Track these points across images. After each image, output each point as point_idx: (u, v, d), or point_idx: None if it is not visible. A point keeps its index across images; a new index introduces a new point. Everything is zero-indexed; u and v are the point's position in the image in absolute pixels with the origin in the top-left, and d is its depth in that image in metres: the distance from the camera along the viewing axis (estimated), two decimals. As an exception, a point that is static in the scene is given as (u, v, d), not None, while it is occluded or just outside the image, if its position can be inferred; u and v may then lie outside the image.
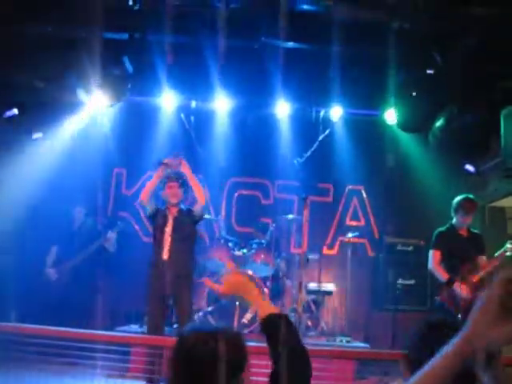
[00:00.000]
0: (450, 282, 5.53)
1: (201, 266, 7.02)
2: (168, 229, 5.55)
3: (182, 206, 5.79)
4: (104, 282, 7.64)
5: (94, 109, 7.58)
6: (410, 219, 7.82)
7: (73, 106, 7.50)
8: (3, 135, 7.13)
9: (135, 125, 8.24)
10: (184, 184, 5.72)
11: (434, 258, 5.74)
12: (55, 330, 5.36)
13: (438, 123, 7.41)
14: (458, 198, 5.81)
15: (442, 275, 5.62)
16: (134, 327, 6.69)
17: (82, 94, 7.31)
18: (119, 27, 6.63)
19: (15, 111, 6.93)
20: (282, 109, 7.85)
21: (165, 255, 5.45)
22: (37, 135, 7.55)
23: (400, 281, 7.57)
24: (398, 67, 6.85)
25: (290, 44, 6.72)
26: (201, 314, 6.65)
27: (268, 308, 2.06)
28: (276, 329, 2.00)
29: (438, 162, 7.62)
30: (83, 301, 6.87)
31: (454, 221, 5.84)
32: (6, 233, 7.40)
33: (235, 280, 2.14)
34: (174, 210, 5.66)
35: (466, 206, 5.73)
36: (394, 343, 7.07)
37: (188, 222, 5.67)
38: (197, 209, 5.70)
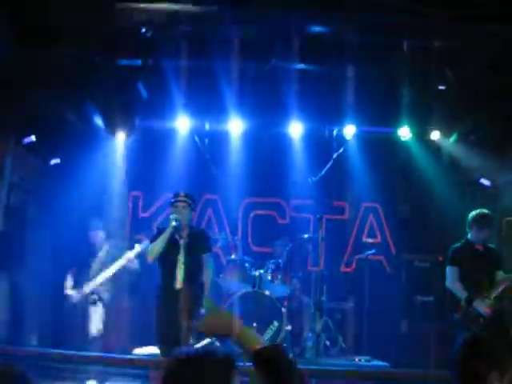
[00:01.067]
0: (469, 299, 5.46)
1: (217, 286, 7.02)
2: (181, 257, 5.31)
3: (193, 228, 5.65)
4: (124, 304, 7.69)
5: (110, 134, 7.70)
6: (427, 235, 7.77)
7: (90, 132, 7.63)
8: (22, 162, 7.27)
9: (150, 148, 8.33)
10: (191, 205, 5.54)
11: (451, 274, 5.68)
12: (74, 355, 5.44)
13: (453, 138, 7.42)
14: (472, 214, 5.76)
15: (461, 292, 5.54)
16: (152, 349, 6.69)
17: (98, 120, 7.46)
18: (133, 54, 6.76)
19: (33, 138, 7.07)
20: (296, 128, 7.89)
21: (178, 284, 5.23)
22: (54, 161, 7.68)
23: (418, 297, 7.50)
24: (410, 84, 6.89)
25: (301, 65, 6.81)
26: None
27: (257, 340, 2.06)
28: (274, 360, 2.01)
29: (453, 176, 7.58)
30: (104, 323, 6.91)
31: (470, 236, 5.78)
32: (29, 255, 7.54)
33: (215, 319, 2.13)
34: (184, 234, 5.44)
35: (480, 221, 5.67)
36: (413, 361, 6.99)
37: (199, 244, 5.50)
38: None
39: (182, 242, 5.38)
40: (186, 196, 5.48)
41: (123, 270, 6.97)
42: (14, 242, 7.25)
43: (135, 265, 6.93)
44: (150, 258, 5.43)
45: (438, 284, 6.73)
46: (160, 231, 5.48)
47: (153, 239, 5.49)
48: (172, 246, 5.38)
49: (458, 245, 5.82)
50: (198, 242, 5.50)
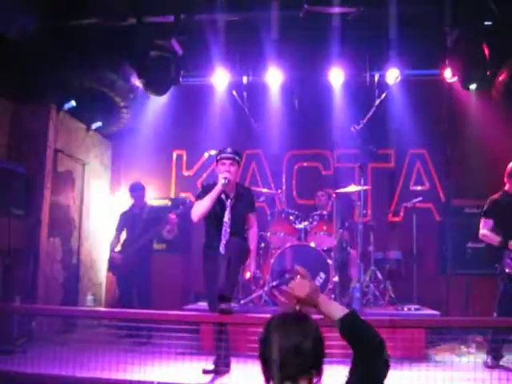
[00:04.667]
0: (504, 242, 5.31)
1: (263, 240, 7.04)
2: (226, 217, 5.13)
3: (239, 186, 5.43)
4: (168, 263, 7.85)
5: (149, 94, 7.68)
6: (477, 180, 7.47)
7: (128, 94, 7.64)
8: (65, 127, 7.38)
9: (189, 106, 8.32)
10: (239, 162, 5.31)
11: (484, 225, 5.52)
12: (126, 312, 5.58)
13: (501, 77, 7.03)
14: (511, 164, 5.53)
15: (494, 239, 5.40)
16: (203, 305, 6.82)
17: (135, 81, 7.45)
18: (164, 10, 6.65)
19: (73, 103, 7.14)
20: (336, 76, 7.64)
21: (222, 249, 5.03)
22: (96, 125, 7.77)
23: (470, 244, 7.31)
24: (453, 22, 6.52)
25: (337, 9, 6.53)
26: (266, 288, 6.68)
27: (340, 308, 2.08)
28: (356, 328, 2.08)
29: (503, 118, 7.22)
30: (149, 283, 7.07)
31: (507, 186, 5.58)
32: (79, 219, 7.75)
33: (301, 288, 2.14)
34: (231, 195, 5.23)
35: None
36: (466, 309, 6.88)
37: (245, 204, 5.31)
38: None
39: (228, 202, 5.19)
40: (233, 152, 5.19)
41: (166, 230, 7.08)
42: (64, 206, 7.46)
43: (173, 230, 7.03)
44: (195, 218, 5.14)
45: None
46: (206, 189, 5.21)
47: (198, 198, 5.21)
48: (218, 204, 5.16)
49: (495, 196, 5.62)
50: (244, 202, 5.30)
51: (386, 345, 2.05)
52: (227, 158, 5.15)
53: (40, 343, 5.87)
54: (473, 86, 7.07)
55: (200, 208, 5.07)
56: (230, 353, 5.07)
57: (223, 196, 5.19)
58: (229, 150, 5.21)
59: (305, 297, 2.13)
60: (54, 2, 6.10)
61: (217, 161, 5.26)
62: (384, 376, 2.01)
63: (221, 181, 5.05)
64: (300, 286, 2.17)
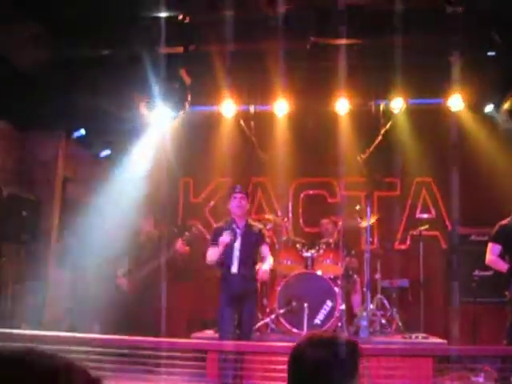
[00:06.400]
0: (510, 271, 5.31)
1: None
2: (237, 244, 5.71)
3: (250, 221, 5.99)
4: (177, 290, 7.85)
5: (157, 123, 7.80)
6: (483, 208, 7.47)
7: (137, 123, 7.75)
8: (74, 155, 7.48)
9: (197, 134, 8.41)
10: (248, 197, 5.98)
11: (491, 250, 5.54)
12: (132, 340, 5.58)
13: (506, 105, 7.11)
14: None
15: (501, 266, 5.40)
16: (209, 333, 6.81)
17: (144, 110, 7.56)
18: (173, 41, 6.79)
19: (82, 131, 7.25)
20: (341, 105, 7.74)
21: (234, 269, 5.68)
22: (105, 153, 7.86)
23: (476, 272, 7.29)
24: (457, 52, 6.63)
25: (343, 41, 6.64)
26: (273, 316, 6.68)
27: None
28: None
29: (508, 146, 7.28)
30: (156, 309, 7.06)
31: None
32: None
33: None
34: (241, 225, 5.81)
35: None
36: (474, 337, 6.83)
37: (255, 236, 5.87)
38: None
39: (238, 231, 5.76)
40: (242, 188, 5.92)
41: (174, 257, 7.10)
42: (72, 235, 7.50)
43: (186, 251, 7.05)
44: (209, 263, 5.86)
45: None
46: (216, 232, 5.83)
47: (211, 242, 5.86)
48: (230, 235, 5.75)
49: (503, 222, 5.64)
50: (253, 232, 5.86)
51: None
52: (238, 192, 5.81)
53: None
54: (489, 107, 7.15)
55: (213, 255, 5.78)
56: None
57: (234, 226, 5.80)
58: (238, 186, 5.96)
59: None
60: (65, 33, 6.24)
61: (229, 196, 5.90)
62: None
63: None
64: None
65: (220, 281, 5.87)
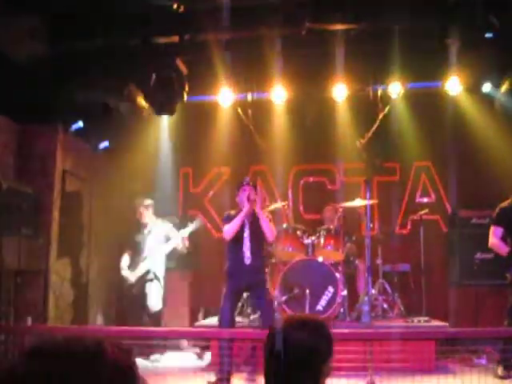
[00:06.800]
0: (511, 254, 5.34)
1: (271, 256, 7.09)
2: (246, 235, 5.77)
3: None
4: (178, 279, 7.88)
5: (155, 113, 7.78)
6: (483, 191, 7.48)
7: (134, 114, 7.73)
8: (72, 148, 7.47)
9: (195, 124, 8.40)
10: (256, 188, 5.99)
11: (493, 233, 5.56)
12: (140, 330, 5.62)
13: (504, 88, 7.08)
14: None
15: (502, 249, 5.42)
16: (213, 321, 6.84)
17: (141, 101, 7.54)
18: (168, 31, 6.76)
19: (80, 124, 7.23)
20: (339, 91, 7.71)
21: (246, 260, 5.72)
22: (103, 145, 7.85)
23: (478, 255, 7.30)
24: (454, 35, 6.59)
25: (338, 26, 6.61)
26: (275, 303, 6.69)
27: None
28: None
29: (506, 128, 7.26)
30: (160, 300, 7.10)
31: None
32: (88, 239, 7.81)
33: None
34: (250, 217, 5.81)
35: None
36: (476, 319, 6.86)
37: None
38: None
39: (246, 221, 5.81)
40: (254, 184, 6.04)
41: (176, 248, 7.13)
42: (73, 228, 7.52)
43: (187, 242, 7.08)
44: (228, 237, 5.80)
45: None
46: (231, 215, 5.88)
47: (226, 221, 5.87)
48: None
49: (504, 204, 5.65)
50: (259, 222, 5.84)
51: None
52: (248, 185, 5.88)
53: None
54: (487, 87, 7.14)
55: (233, 226, 5.77)
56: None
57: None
58: (247, 178, 6.12)
59: None
60: (60, 25, 6.22)
61: (238, 188, 5.93)
62: None
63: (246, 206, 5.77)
64: None
65: (228, 270, 5.84)
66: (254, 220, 5.81)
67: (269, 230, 5.77)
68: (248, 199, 5.74)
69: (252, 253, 5.72)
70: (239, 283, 5.72)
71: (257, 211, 5.75)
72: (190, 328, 7.10)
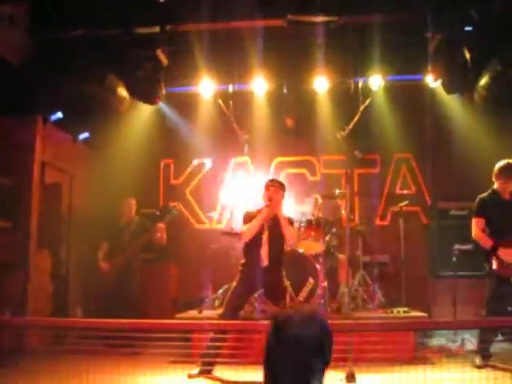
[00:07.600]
0: (494, 249, 5.42)
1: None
2: (264, 237, 5.63)
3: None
4: (159, 271, 7.87)
5: (136, 104, 7.73)
6: (462, 183, 7.57)
7: (115, 104, 7.66)
8: (52, 139, 7.38)
9: (176, 115, 8.36)
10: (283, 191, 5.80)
11: (476, 225, 5.63)
12: (118, 322, 5.58)
13: (483, 81, 7.14)
14: (499, 164, 5.71)
15: (486, 242, 5.51)
16: (192, 313, 6.84)
17: (122, 92, 7.47)
18: (149, 21, 6.70)
19: (60, 115, 7.15)
20: (320, 83, 7.72)
21: (263, 262, 5.57)
22: (83, 136, 7.77)
23: (457, 246, 7.38)
24: (435, 28, 6.63)
25: (320, 18, 6.61)
26: (256, 294, 6.70)
27: None
28: None
29: (485, 121, 7.34)
30: (138, 291, 7.09)
31: (496, 186, 5.73)
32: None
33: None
34: (270, 217, 5.68)
35: (507, 171, 5.63)
36: (454, 310, 6.94)
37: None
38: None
39: (267, 223, 5.67)
40: (279, 183, 5.82)
41: (154, 240, 7.10)
42: (52, 220, 7.44)
43: (163, 241, 7.07)
44: (246, 239, 5.65)
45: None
46: (250, 215, 5.73)
47: (245, 221, 5.73)
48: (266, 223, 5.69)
49: (483, 195, 5.74)
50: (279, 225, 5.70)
51: None
52: (272, 186, 5.69)
53: (31, 356, 5.86)
54: (455, 92, 7.22)
55: (251, 229, 5.63)
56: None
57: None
58: (274, 178, 6.01)
59: None
60: (39, 14, 6.14)
61: (265, 187, 5.76)
62: None
63: (264, 209, 5.64)
64: None
65: (242, 270, 5.69)
66: (274, 223, 5.68)
67: (289, 234, 5.66)
68: (268, 202, 5.59)
69: (269, 256, 5.59)
70: (253, 283, 5.61)
71: (278, 215, 5.61)
72: (173, 320, 7.08)
